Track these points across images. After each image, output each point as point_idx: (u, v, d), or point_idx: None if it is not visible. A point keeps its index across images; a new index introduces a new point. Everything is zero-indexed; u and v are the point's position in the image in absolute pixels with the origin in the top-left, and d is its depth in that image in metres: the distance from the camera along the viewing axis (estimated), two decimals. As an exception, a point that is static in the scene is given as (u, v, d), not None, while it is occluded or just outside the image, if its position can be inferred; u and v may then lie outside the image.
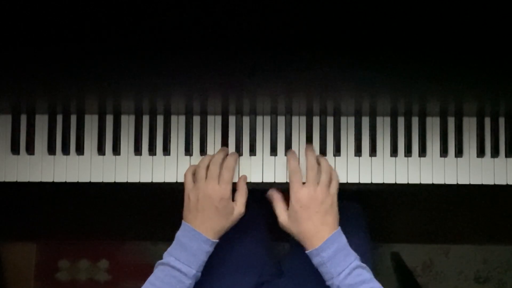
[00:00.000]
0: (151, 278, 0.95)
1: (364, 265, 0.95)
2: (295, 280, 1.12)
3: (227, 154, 1.05)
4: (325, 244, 0.94)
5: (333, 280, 0.93)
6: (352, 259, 0.94)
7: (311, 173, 1.00)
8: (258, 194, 1.06)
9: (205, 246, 0.96)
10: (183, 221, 0.99)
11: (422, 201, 1.69)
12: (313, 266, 0.97)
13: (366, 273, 0.94)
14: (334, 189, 1.00)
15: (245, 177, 1.05)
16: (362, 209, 1.21)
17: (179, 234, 0.98)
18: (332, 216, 0.97)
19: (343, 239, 0.96)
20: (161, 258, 0.96)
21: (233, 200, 1.01)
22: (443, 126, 1.08)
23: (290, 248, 1.20)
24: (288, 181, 1.03)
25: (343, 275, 0.92)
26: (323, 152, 1.07)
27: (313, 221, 0.96)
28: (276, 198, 1.02)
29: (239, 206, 1.00)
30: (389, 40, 0.86)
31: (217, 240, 0.99)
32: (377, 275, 0.97)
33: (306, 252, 0.97)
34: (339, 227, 0.97)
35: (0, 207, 1.64)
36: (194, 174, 1.02)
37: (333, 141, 1.07)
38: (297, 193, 0.98)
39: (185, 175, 1.02)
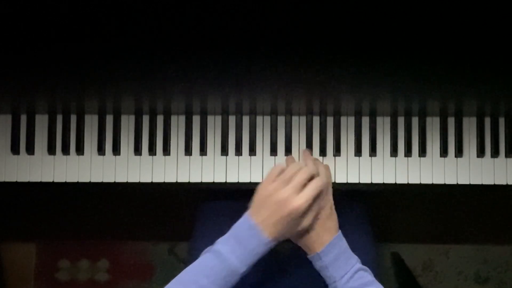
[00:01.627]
0: (196, 264, 0.87)
1: (365, 267, 0.95)
2: (298, 277, 1.12)
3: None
4: (326, 249, 0.94)
5: (336, 283, 0.93)
6: (354, 262, 0.94)
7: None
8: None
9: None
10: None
11: (422, 201, 1.69)
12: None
13: (368, 276, 0.94)
14: (329, 194, 0.99)
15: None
16: (364, 209, 1.20)
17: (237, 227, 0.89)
18: (332, 221, 0.97)
19: (344, 242, 0.96)
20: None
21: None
22: (443, 126, 1.08)
23: (293, 245, 1.20)
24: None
25: (346, 278, 0.92)
26: (323, 152, 1.07)
27: (314, 228, 0.95)
28: None
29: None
30: (389, 40, 0.86)
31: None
32: (377, 275, 0.97)
33: (308, 257, 0.97)
34: (340, 231, 0.97)
35: (0, 207, 1.64)
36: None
37: (333, 141, 1.07)
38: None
39: (272, 169, 0.94)
